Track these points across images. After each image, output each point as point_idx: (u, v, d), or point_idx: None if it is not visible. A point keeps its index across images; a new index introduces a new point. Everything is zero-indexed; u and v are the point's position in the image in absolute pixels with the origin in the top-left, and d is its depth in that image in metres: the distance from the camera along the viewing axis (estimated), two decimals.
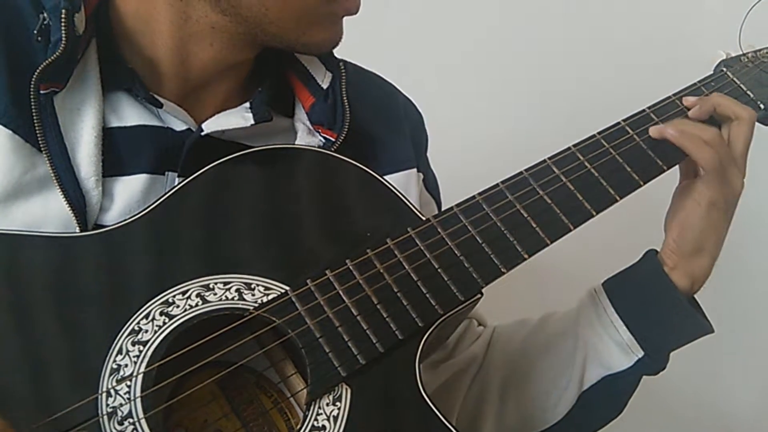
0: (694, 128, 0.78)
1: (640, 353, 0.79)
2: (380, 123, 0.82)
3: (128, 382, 0.57)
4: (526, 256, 0.70)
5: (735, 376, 1.52)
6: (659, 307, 0.78)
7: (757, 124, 0.88)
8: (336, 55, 0.78)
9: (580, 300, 0.85)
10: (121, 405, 0.56)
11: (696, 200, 0.77)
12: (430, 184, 0.88)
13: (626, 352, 0.79)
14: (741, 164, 0.79)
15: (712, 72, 0.90)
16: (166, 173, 0.70)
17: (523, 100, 1.48)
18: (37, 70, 0.63)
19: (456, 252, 0.68)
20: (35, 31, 0.65)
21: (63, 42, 0.63)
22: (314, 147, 0.73)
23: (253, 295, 0.63)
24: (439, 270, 0.67)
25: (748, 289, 1.53)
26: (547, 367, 0.84)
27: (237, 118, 0.72)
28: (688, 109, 0.82)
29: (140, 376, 0.57)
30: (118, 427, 0.55)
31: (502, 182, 0.73)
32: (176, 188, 0.66)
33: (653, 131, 0.78)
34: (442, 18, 1.46)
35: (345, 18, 0.73)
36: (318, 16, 0.70)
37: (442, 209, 0.72)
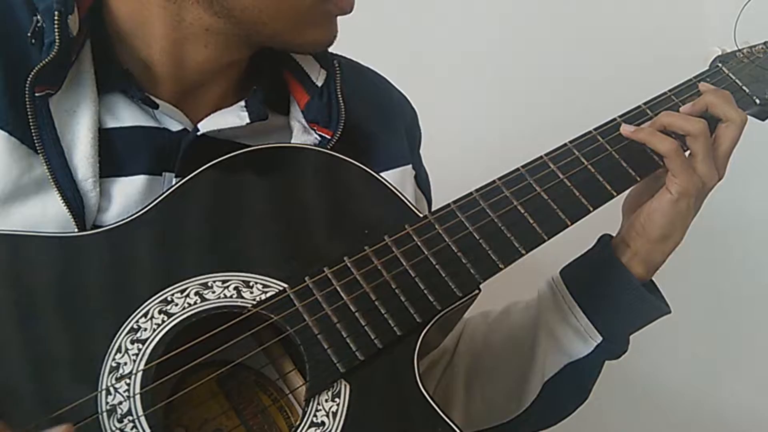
0: (680, 119, 0.78)
1: (599, 338, 0.80)
2: (375, 120, 0.82)
3: (127, 380, 0.57)
4: (523, 252, 0.70)
5: (735, 376, 1.52)
6: (615, 292, 0.79)
7: (755, 120, 0.89)
8: (332, 51, 0.78)
9: (539, 290, 0.86)
10: (121, 402, 0.56)
11: (668, 188, 0.77)
12: (422, 182, 0.88)
13: (584, 339, 0.80)
14: (721, 164, 0.80)
15: (707, 68, 0.90)
16: (164, 174, 0.71)
17: (521, 96, 1.48)
18: (32, 73, 0.63)
19: (453, 248, 0.69)
20: (29, 33, 0.65)
21: (56, 44, 0.63)
22: (310, 145, 0.73)
23: (252, 292, 0.63)
24: (436, 266, 0.67)
25: (748, 289, 1.53)
26: (509, 358, 0.85)
27: (233, 117, 0.72)
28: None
29: (139, 374, 0.58)
30: (118, 425, 0.56)
31: (499, 179, 0.74)
32: (174, 188, 0.66)
33: (622, 131, 0.79)
34: (439, 15, 1.46)
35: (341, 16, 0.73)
36: (312, 16, 0.70)
37: (436, 206, 0.72)
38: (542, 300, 0.85)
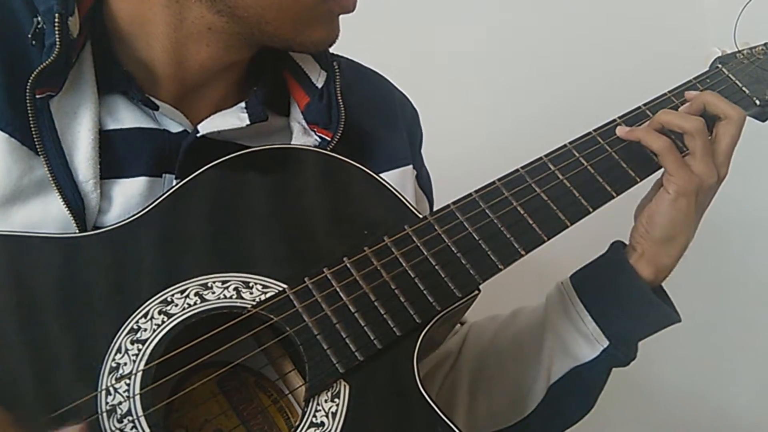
0: (677, 117, 0.78)
1: (605, 343, 0.79)
2: (376, 120, 0.83)
3: (127, 380, 0.57)
4: (523, 252, 0.70)
5: (735, 376, 1.52)
6: (623, 296, 0.78)
7: (755, 121, 0.89)
8: (333, 51, 0.77)
9: (548, 293, 0.86)
10: (121, 403, 0.57)
11: (665, 187, 0.77)
12: (423, 182, 0.88)
13: (591, 343, 0.79)
14: (722, 162, 0.79)
15: (707, 69, 0.90)
16: (164, 175, 0.71)
17: (520, 97, 1.48)
18: (32, 75, 0.63)
19: (453, 249, 0.69)
20: (30, 35, 0.65)
21: (57, 46, 0.63)
22: (310, 146, 0.73)
23: (251, 293, 0.63)
24: (436, 267, 0.68)
25: (749, 289, 1.53)
26: (515, 360, 0.85)
27: (233, 119, 0.72)
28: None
29: (139, 375, 0.58)
30: (118, 425, 0.56)
31: (499, 180, 0.74)
32: (174, 189, 0.66)
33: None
34: (440, 15, 1.46)
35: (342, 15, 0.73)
36: (315, 14, 0.70)
37: (436, 207, 0.72)
38: (550, 303, 0.84)
